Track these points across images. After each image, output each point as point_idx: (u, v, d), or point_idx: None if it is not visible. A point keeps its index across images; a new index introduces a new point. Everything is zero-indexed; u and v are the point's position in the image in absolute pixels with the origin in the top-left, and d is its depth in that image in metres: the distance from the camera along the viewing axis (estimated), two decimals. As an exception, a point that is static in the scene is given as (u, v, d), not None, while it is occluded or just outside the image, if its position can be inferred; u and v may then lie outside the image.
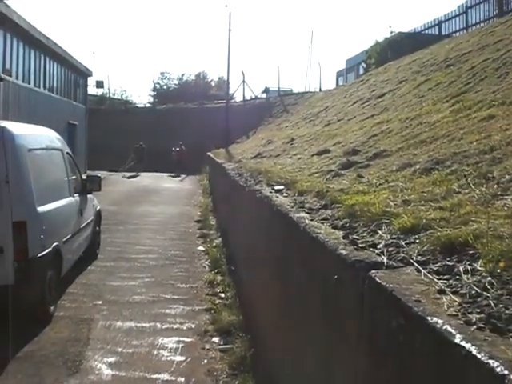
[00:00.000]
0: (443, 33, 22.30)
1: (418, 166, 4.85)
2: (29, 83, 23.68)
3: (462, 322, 1.77)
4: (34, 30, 22.94)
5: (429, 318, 1.80)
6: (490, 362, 1.47)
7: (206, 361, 6.04)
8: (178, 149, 35.54)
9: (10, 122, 7.82)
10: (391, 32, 25.28)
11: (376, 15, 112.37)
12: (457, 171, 4.15)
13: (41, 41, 24.15)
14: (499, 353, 1.52)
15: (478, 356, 1.50)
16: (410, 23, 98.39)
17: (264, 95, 41.66)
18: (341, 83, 34.90)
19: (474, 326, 1.72)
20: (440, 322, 1.75)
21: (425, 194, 3.73)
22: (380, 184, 4.68)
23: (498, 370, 1.43)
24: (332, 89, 28.04)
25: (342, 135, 9.84)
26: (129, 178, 30.68)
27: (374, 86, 15.96)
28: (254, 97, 41.86)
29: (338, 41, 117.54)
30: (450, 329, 1.69)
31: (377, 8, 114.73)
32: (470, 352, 1.53)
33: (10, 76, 21.16)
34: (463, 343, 1.58)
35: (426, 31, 24.11)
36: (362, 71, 29.23)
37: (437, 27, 23.18)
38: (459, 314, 1.85)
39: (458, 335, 1.63)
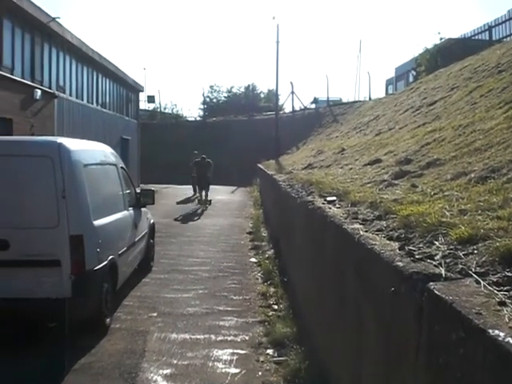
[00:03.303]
0: (494, 38, 21.82)
1: (473, 175, 4.76)
2: (82, 99, 24.32)
3: (524, 335, 1.73)
4: (86, 47, 23.60)
5: (490, 331, 1.76)
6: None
7: (260, 373, 6.04)
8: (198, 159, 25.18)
9: (66, 138, 8.03)
10: (440, 38, 24.93)
11: (425, 22, 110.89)
12: (514, 179, 4.06)
13: (93, 58, 24.80)
14: None
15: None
16: (459, 29, 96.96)
17: (313, 105, 41.61)
18: (390, 91, 34.54)
19: (538, 340, 1.68)
20: (502, 334, 1.72)
21: (481, 204, 3.66)
22: (435, 193, 4.60)
23: None
24: (382, 97, 27.75)
25: (393, 144, 9.73)
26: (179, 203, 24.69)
27: (425, 93, 15.73)
28: (303, 107, 41.88)
29: (386, 49, 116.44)
30: (512, 342, 1.66)
31: (425, 14, 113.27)
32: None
33: (64, 93, 21.78)
34: (527, 357, 1.55)
35: (476, 37, 23.64)
36: (411, 79, 28.87)
37: (487, 32, 22.69)
38: (521, 326, 1.81)
39: (521, 349, 1.60)
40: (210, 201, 23.96)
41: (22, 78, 17.78)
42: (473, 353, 1.87)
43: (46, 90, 19.39)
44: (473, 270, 2.51)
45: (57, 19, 19.77)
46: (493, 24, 22.64)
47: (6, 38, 16.76)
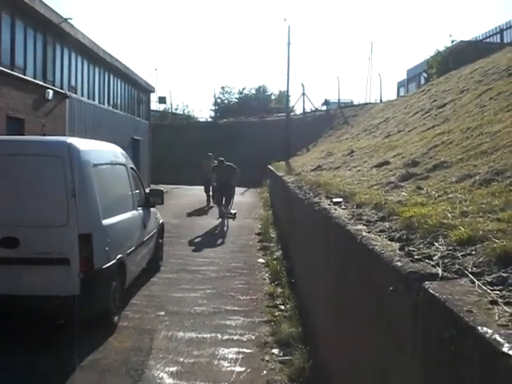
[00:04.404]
0: (505, 40, 21.76)
1: (477, 178, 4.79)
2: (93, 100, 24.50)
3: (511, 331, 1.77)
4: (97, 48, 23.78)
5: (479, 328, 1.81)
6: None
7: (265, 372, 6.11)
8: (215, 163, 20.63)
9: (76, 138, 8.13)
10: (452, 41, 24.87)
11: (437, 24, 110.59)
12: (517, 182, 4.09)
13: (105, 59, 24.99)
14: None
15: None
16: (470, 31, 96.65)
17: (324, 107, 41.56)
18: (402, 94, 34.49)
19: (524, 336, 1.73)
20: (490, 331, 1.77)
21: (483, 206, 3.69)
22: (439, 196, 4.64)
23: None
24: (393, 100, 27.73)
25: (402, 147, 9.76)
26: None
27: (436, 96, 15.72)
28: (314, 109, 41.89)
29: (398, 51, 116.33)
30: (498, 338, 1.70)
31: (437, 17, 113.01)
32: (518, 361, 1.55)
33: (76, 93, 21.96)
34: (511, 352, 1.60)
35: (488, 39, 23.59)
36: (423, 81, 28.82)
37: (498, 35, 22.64)
38: (510, 323, 1.85)
39: (506, 344, 1.65)
40: (235, 214, 19.55)
41: (34, 78, 17.97)
42: (462, 349, 1.92)
43: (58, 90, 19.57)
44: (469, 270, 2.55)
45: (69, 20, 19.94)
46: (504, 27, 22.58)
47: (18, 39, 16.95)
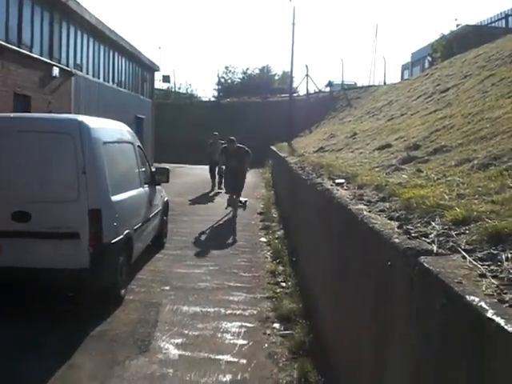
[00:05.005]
0: (510, 26, 21.80)
1: (475, 162, 4.97)
2: (99, 78, 24.60)
3: (496, 300, 1.99)
4: (103, 26, 23.82)
5: (467, 297, 2.02)
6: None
7: (266, 345, 6.35)
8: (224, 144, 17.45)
9: (86, 116, 8.29)
10: (457, 25, 24.95)
11: (442, 7, 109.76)
12: (513, 167, 4.28)
13: (110, 37, 25.04)
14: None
15: (506, 327, 1.72)
16: (476, 16, 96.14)
17: (327, 89, 41.52)
18: (406, 77, 34.49)
19: (507, 304, 1.94)
20: (476, 299, 1.98)
21: (479, 189, 3.88)
22: (438, 178, 4.83)
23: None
24: (396, 83, 27.79)
25: (404, 130, 9.91)
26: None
27: (439, 80, 15.83)
28: (317, 90, 41.82)
29: (403, 34, 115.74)
30: (484, 305, 1.92)
31: (443, 0, 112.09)
32: (500, 324, 1.76)
33: (81, 71, 22.07)
34: (494, 317, 1.81)
35: (493, 24, 23.63)
36: (427, 65, 28.85)
37: (503, 20, 22.69)
38: (495, 293, 2.07)
39: (490, 310, 1.86)
40: (246, 202, 17.53)
41: (41, 55, 18.09)
42: (452, 317, 2.13)
43: (64, 67, 19.69)
44: (462, 247, 2.76)
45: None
46: (510, 12, 22.62)
47: (25, 16, 17.04)
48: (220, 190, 19.75)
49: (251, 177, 28.75)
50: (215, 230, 13.84)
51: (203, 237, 12.67)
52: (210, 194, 20.68)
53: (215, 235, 12.95)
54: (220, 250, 11.13)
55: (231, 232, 13.33)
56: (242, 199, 17.02)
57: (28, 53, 16.94)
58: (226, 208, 16.51)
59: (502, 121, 6.53)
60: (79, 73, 21.60)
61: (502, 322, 1.76)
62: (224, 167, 16.85)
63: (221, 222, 14.84)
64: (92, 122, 7.61)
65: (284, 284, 8.54)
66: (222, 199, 17.93)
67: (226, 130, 35.47)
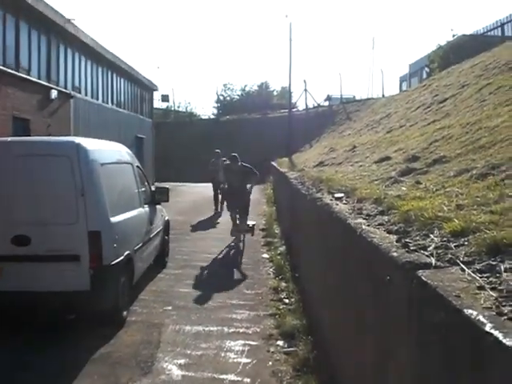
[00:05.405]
0: (506, 34, 21.87)
1: (474, 172, 4.94)
2: (97, 99, 24.70)
3: (494, 313, 1.95)
4: (100, 47, 23.99)
5: (465, 311, 1.98)
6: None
7: (270, 363, 6.28)
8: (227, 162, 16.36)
9: (83, 138, 8.30)
10: (453, 35, 24.97)
11: (439, 18, 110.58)
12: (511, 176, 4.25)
13: (108, 58, 25.20)
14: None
15: (504, 341, 1.68)
16: (472, 26, 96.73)
17: (326, 103, 41.67)
18: (404, 88, 34.57)
19: (505, 317, 1.90)
20: (474, 313, 1.94)
21: (478, 199, 3.85)
22: (437, 190, 4.80)
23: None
24: (394, 94, 27.83)
25: (403, 142, 9.90)
26: None
27: (437, 90, 15.85)
28: (316, 105, 41.98)
29: (400, 45, 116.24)
30: (482, 319, 1.88)
31: (439, 11, 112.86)
32: (498, 338, 1.72)
33: (80, 93, 22.16)
34: (492, 331, 1.77)
35: (489, 33, 23.71)
36: (425, 75, 28.91)
37: (499, 29, 22.75)
38: (493, 306, 2.03)
39: (488, 324, 1.82)
40: (253, 226, 14.98)
41: (39, 78, 18.18)
42: (451, 331, 2.09)
43: (62, 90, 19.77)
44: (460, 259, 2.72)
45: (72, 21, 20.11)
46: (505, 21, 22.70)
47: (22, 40, 17.15)
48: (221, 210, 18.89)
49: (253, 193, 28.78)
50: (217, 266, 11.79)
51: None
52: (213, 220, 18.77)
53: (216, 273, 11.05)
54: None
55: (236, 271, 11.22)
56: (250, 222, 14.88)
57: (26, 76, 17.02)
58: (232, 234, 14.62)
59: (500, 129, 6.51)
60: (78, 95, 21.69)
61: (500, 335, 1.73)
62: (226, 187, 15.38)
63: (220, 257, 12.72)
64: (89, 143, 7.61)
65: (287, 300, 8.48)
66: (226, 226, 16.05)
67: (226, 146, 35.47)
